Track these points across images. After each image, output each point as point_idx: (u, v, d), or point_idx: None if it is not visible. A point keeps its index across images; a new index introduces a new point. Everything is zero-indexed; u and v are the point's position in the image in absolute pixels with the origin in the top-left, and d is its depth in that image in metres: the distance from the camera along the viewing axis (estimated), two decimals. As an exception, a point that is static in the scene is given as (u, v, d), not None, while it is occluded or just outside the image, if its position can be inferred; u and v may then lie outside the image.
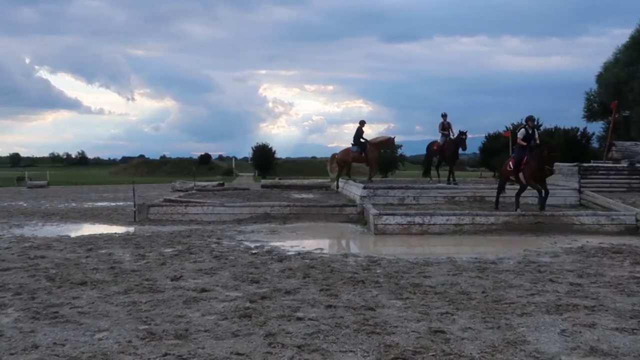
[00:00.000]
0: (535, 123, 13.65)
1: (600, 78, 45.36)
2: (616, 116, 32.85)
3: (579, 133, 45.58)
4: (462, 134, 18.73)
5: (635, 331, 5.37)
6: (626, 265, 8.79)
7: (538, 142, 13.80)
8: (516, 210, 13.65)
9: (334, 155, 21.32)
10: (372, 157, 19.95)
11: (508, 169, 14.20)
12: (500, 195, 14.94)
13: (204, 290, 7.02)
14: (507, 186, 15.04)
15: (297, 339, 5.13)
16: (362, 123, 20.14)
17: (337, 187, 21.65)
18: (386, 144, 20.39)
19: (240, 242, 11.16)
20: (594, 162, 21.55)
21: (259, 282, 7.49)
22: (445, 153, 19.11)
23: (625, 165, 18.07)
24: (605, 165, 18.73)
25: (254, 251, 10.08)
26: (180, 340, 5.10)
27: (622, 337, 5.19)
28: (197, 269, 8.42)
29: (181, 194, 21.86)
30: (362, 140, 19.83)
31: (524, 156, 13.52)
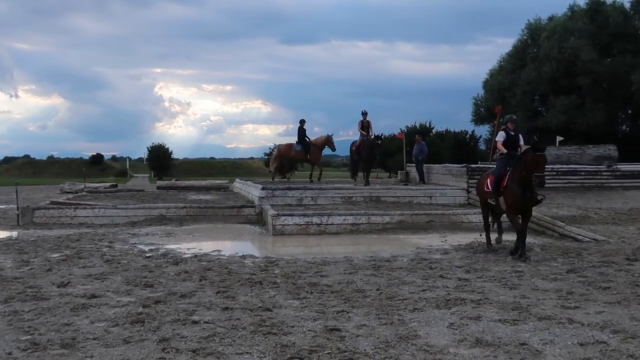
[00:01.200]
0: (517, 125, 10.54)
1: (486, 84, 48.07)
2: (500, 120, 34.90)
3: (467, 135, 48.01)
4: (377, 138, 18.53)
5: (516, 322, 5.71)
6: (509, 261, 9.33)
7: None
8: (488, 246, 10.58)
9: (278, 149, 21.53)
10: (315, 158, 20.29)
11: (485, 189, 10.49)
12: (490, 228, 10.95)
13: (93, 296, 6.71)
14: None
15: (192, 342, 5.03)
16: (303, 122, 20.38)
17: (273, 178, 21.62)
18: (328, 144, 20.31)
19: (134, 246, 10.79)
20: (480, 163, 22.77)
21: (153, 286, 7.27)
22: (362, 153, 18.92)
23: (508, 166, 19.18)
24: (491, 166, 19.79)
25: (148, 254, 9.77)
26: (66, 350, 4.84)
27: (504, 328, 5.51)
28: (87, 274, 8.04)
29: (70, 196, 20.80)
30: (307, 139, 20.06)
31: (505, 172, 9.90)
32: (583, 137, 36.73)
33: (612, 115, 44.18)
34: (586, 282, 7.55)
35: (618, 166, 20.41)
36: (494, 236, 10.84)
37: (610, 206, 15.81)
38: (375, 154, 18.50)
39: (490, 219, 10.91)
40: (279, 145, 21.73)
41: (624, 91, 41.21)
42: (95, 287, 7.20)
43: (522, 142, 10.31)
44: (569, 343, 5.07)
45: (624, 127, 46.63)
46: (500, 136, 10.46)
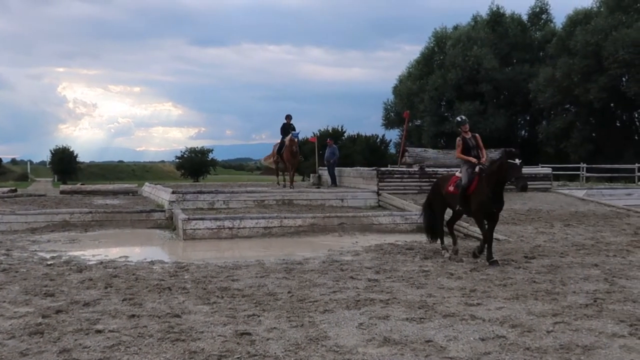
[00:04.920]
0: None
1: (395, 90, 49.47)
2: (409, 124, 36.03)
3: (378, 139, 49.19)
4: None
5: (422, 320, 5.89)
6: (417, 261, 9.62)
7: (484, 157, 9.56)
8: (446, 254, 9.84)
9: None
10: (286, 159, 19.48)
11: (449, 189, 9.69)
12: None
13: (-13, 307, 6.31)
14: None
15: (96, 352, 4.83)
16: (288, 118, 19.73)
17: (278, 183, 21.30)
18: (291, 144, 19.20)
19: (34, 253, 10.24)
20: (390, 167, 23.35)
21: (54, 295, 6.92)
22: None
23: (416, 169, 19.81)
24: (400, 169, 20.37)
25: (49, 262, 9.30)
26: (-45, 366, 4.52)
27: (411, 326, 5.67)
28: (-20, 284, 7.54)
29: (-37, 201, 19.46)
30: (285, 139, 19.24)
31: (473, 177, 9.29)
32: (485, 141, 38.54)
33: (512, 121, 46.72)
34: (488, 280, 7.91)
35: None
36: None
37: (510, 207, 16.62)
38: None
39: None
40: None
41: (522, 98, 43.69)
42: (-10, 298, 6.78)
43: (481, 144, 9.82)
44: (471, 338, 5.29)
45: (522, 132, 49.43)
46: (460, 142, 9.29)
